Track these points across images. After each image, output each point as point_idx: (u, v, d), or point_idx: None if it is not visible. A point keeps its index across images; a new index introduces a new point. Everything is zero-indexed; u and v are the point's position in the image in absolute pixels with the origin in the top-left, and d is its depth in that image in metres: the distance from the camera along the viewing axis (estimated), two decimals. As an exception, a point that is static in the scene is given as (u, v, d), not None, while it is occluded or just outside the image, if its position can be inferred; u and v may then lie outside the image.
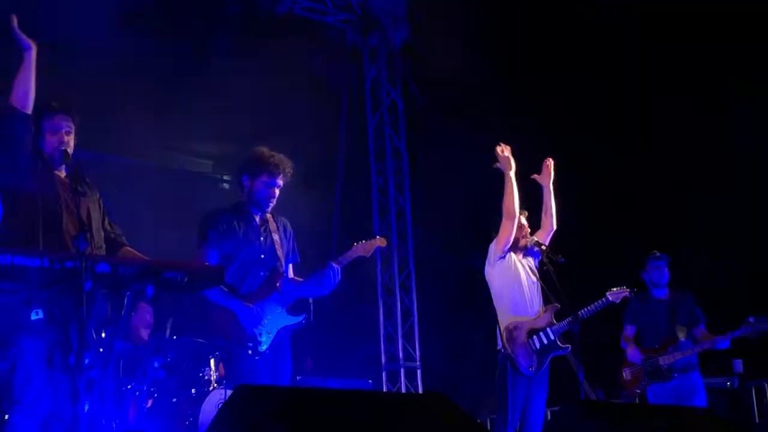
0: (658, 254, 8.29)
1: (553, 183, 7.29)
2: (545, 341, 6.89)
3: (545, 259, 6.89)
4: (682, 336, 7.90)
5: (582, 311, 7.02)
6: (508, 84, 10.65)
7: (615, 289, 7.37)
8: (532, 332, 6.91)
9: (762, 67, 9.55)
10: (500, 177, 7.09)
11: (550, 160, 7.31)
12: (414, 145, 11.85)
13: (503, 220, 7.01)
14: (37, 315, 4.50)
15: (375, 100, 12.05)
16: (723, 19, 9.51)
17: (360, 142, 11.91)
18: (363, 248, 6.10)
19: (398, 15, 11.29)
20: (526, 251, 7.16)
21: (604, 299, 7.27)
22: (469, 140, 10.83)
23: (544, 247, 6.97)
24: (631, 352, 8.16)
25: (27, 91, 4.90)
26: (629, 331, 8.35)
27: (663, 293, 8.24)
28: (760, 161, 9.70)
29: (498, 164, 7.06)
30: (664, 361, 7.85)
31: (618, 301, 7.38)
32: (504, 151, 7.05)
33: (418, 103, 11.60)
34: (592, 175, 9.94)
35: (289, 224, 6.19)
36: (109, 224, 5.29)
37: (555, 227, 7.25)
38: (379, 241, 6.24)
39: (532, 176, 7.18)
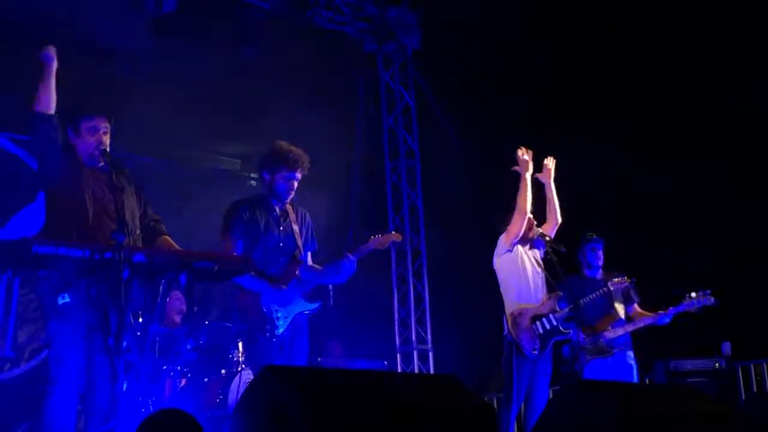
0: (594, 236, 7.91)
1: (555, 180, 7.26)
2: (548, 326, 6.91)
3: (549, 249, 6.91)
4: (621, 313, 7.66)
5: (583, 300, 7.03)
6: (520, 85, 10.65)
7: (616, 279, 7.35)
8: (536, 318, 6.93)
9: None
10: (509, 175, 7.11)
11: (551, 159, 7.28)
12: (426, 144, 11.83)
13: (515, 215, 7.03)
14: (63, 299, 4.52)
15: (390, 103, 12.04)
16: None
17: (376, 142, 11.90)
18: (378, 242, 6.12)
19: (410, 22, 11.27)
20: (532, 243, 7.15)
21: (606, 289, 7.32)
22: (477, 139, 10.83)
23: (548, 238, 6.98)
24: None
25: (49, 98, 4.94)
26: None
27: (597, 274, 7.85)
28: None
29: (517, 167, 7.07)
30: (605, 337, 7.50)
31: (619, 289, 7.41)
32: (524, 154, 7.07)
33: (430, 104, 11.56)
34: (594, 169, 9.86)
35: (308, 214, 6.20)
36: (150, 213, 5.29)
37: (560, 220, 7.23)
38: (394, 236, 6.26)
39: (535, 175, 7.15)
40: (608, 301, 7.56)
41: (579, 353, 7.37)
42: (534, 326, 6.90)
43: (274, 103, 9.95)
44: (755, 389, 9.38)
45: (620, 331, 7.52)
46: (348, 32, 11.22)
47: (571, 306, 6.88)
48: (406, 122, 11.98)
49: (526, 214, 6.98)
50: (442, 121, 11.29)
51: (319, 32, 10.67)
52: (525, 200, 6.98)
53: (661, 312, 7.59)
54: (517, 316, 6.92)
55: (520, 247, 7.09)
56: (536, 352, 6.84)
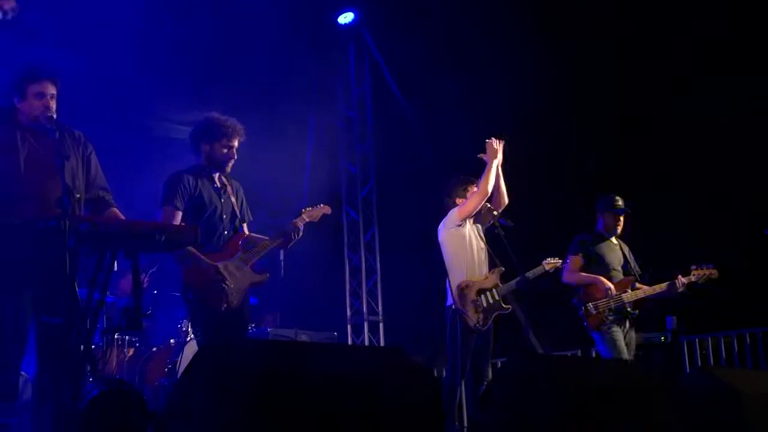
0: (622, 204, 7.72)
1: (502, 164, 7.23)
2: (491, 300, 6.98)
3: (496, 223, 6.93)
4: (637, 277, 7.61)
5: (528, 273, 7.08)
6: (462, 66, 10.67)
7: (550, 259, 7.39)
8: (480, 292, 6.99)
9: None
10: (462, 153, 7.14)
11: (494, 139, 7.22)
12: (381, 121, 11.83)
13: (475, 194, 7.05)
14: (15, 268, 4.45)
15: (345, 76, 12.03)
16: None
17: (330, 111, 11.87)
18: (309, 214, 6.18)
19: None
20: (477, 217, 7.18)
21: (540, 267, 7.35)
22: (433, 111, 10.84)
23: (495, 213, 6.99)
24: (601, 282, 7.44)
25: None
26: (577, 261, 7.64)
27: (612, 237, 7.77)
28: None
29: (483, 155, 7.07)
30: (627, 298, 7.38)
31: (551, 271, 7.39)
32: (494, 143, 7.08)
33: (387, 83, 11.54)
34: (545, 146, 9.92)
35: (241, 187, 6.20)
36: (99, 182, 5.19)
37: (506, 202, 7.23)
38: (324, 209, 6.33)
39: (478, 155, 7.15)
40: (625, 262, 7.63)
41: (605, 312, 7.36)
42: (479, 299, 6.96)
43: (227, 73, 9.88)
44: (699, 363, 9.55)
45: (640, 294, 7.41)
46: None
47: (515, 281, 6.94)
48: (360, 94, 11.98)
49: (485, 196, 7.01)
50: (399, 100, 11.27)
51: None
52: (487, 183, 7.00)
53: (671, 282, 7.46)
54: (463, 289, 6.97)
55: (468, 221, 7.12)
56: (479, 324, 6.91)
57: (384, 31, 11.47)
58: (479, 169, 7.15)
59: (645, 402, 4.22)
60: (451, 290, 6.97)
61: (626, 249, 7.77)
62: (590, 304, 7.38)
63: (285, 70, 10.43)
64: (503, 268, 7.08)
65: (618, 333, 7.32)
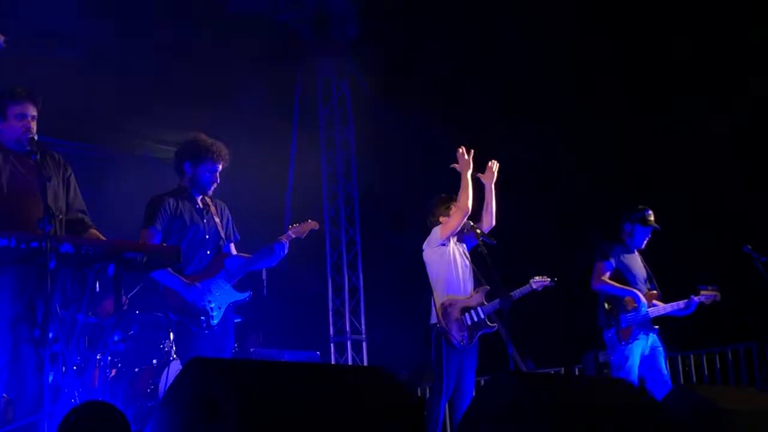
0: (653, 220, 7.59)
1: (495, 183, 7.25)
2: (476, 319, 6.98)
3: (480, 242, 6.94)
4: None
5: (513, 293, 7.07)
6: (460, 76, 10.71)
7: (538, 277, 7.32)
8: (465, 310, 6.99)
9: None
10: (445, 168, 7.14)
11: (495, 162, 7.23)
12: (362, 136, 11.85)
13: (455, 212, 7.05)
14: None
15: (326, 93, 12.06)
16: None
17: (311, 132, 11.89)
18: (297, 230, 6.14)
19: (348, 14, 11.23)
20: (461, 236, 7.20)
21: (528, 285, 7.29)
22: (413, 131, 10.86)
23: (479, 231, 6.99)
24: (636, 296, 7.35)
25: None
26: (607, 267, 7.51)
27: (635, 251, 7.71)
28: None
29: (456, 165, 7.08)
30: (653, 312, 7.36)
31: (540, 290, 7.31)
32: (465, 154, 7.06)
33: (365, 95, 11.56)
34: (531, 165, 9.95)
35: (226, 207, 6.18)
36: (78, 204, 5.18)
37: (494, 223, 7.23)
38: (312, 224, 6.27)
39: (476, 175, 7.15)
40: (649, 275, 7.59)
41: (632, 327, 7.32)
42: (463, 317, 6.97)
43: (209, 92, 9.88)
44: (681, 380, 9.58)
45: (661, 311, 7.41)
46: (285, 21, 11.17)
47: (498, 300, 6.92)
48: (341, 113, 11.99)
49: (467, 212, 7.01)
50: (378, 113, 11.29)
51: (259, 21, 10.60)
52: (466, 198, 7.00)
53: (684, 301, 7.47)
54: (447, 307, 6.98)
55: (451, 239, 7.14)
56: (464, 343, 6.91)
57: (365, 45, 11.51)
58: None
59: (629, 420, 4.23)
60: (435, 308, 6.97)
61: (646, 263, 7.73)
62: (623, 316, 7.33)
63: (268, 90, 10.43)
64: (488, 287, 7.07)
65: (637, 349, 7.31)
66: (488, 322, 7.02)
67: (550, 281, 7.38)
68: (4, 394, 4.62)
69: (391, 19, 10.56)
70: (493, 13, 10.11)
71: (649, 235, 7.62)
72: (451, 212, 7.13)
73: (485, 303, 7.05)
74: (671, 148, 9.91)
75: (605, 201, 9.62)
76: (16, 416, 4.51)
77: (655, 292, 7.52)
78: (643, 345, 7.36)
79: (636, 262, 7.62)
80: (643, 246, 7.66)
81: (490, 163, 7.29)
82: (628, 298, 7.38)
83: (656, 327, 7.39)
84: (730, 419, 4.60)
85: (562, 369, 9.93)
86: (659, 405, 4.72)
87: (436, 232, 7.16)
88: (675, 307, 7.45)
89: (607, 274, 7.49)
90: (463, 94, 10.70)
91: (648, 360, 7.37)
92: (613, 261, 7.51)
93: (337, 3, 11.18)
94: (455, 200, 7.17)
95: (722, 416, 4.59)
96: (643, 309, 7.32)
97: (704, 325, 7.52)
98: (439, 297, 7.03)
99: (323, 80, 12.06)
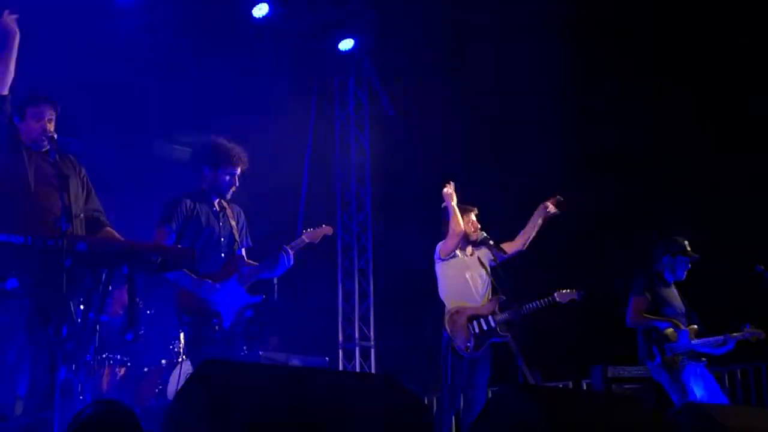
0: (692, 252, 7.50)
1: (546, 219, 7.28)
2: (485, 327, 6.98)
3: (491, 252, 7.00)
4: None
5: (527, 305, 7.03)
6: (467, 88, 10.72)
7: (564, 290, 7.18)
8: (473, 318, 7.01)
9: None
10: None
11: (449, 184, 7.28)
12: (377, 142, 11.88)
13: (449, 235, 7.19)
14: (12, 285, 4.46)
15: (342, 99, 12.09)
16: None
17: (327, 137, 11.92)
18: (311, 236, 6.17)
19: (367, 22, 11.25)
20: (477, 245, 7.24)
21: (550, 297, 7.16)
22: (428, 139, 10.89)
23: (491, 242, 7.04)
24: (676, 327, 7.25)
25: (5, 74, 4.87)
26: (644, 302, 7.37)
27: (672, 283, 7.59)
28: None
29: (444, 203, 7.23)
30: (700, 344, 7.18)
31: (565, 302, 7.17)
32: (447, 188, 7.22)
33: (382, 103, 11.60)
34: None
35: (242, 212, 6.21)
36: (94, 203, 5.25)
37: (524, 249, 7.25)
38: (326, 230, 6.30)
39: (546, 205, 7.24)
40: (688, 308, 7.44)
41: (680, 356, 7.16)
42: (471, 325, 6.98)
43: (228, 96, 9.93)
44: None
45: (704, 345, 7.22)
46: (303, 28, 11.19)
47: (512, 310, 6.94)
48: (358, 119, 12.02)
49: (458, 236, 7.15)
50: (393, 120, 11.33)
51: (275, 27, 10.63)
52: (457, 224, 7.15)
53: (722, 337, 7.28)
54: (454, 314, 7.02)
55: (459, 252, 7.19)
56: (469, 351, 6.91)
57: (384, 57, 11.53)
58: (476, 197, 7.25)
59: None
60: (445, 316, 7.02)
61: (682, 296, 7.57)
62: (667, 345, 7.18)
63: (285, 95, 10.47)
64: (503, 297, 7.08)
65: (693, 375, 7.14)
66: (500, 332, 7.00)
67: (577, 294, 7.22)
68: (17, 391, 4.66)
69: (410, 27, 10.56)
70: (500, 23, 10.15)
71: (690, 266, 7.51)
72: (464, 223, 7.20)
73: (497, 312, 7.06)
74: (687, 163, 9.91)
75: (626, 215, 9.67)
76: (27, 412, 4.55)
77: (695, 327, 7.34)
78: (695, 376, 7.16)
79: (674, 296, 7.48)
80: (684, 277, 7.54)
81: (552, 203, 7.29)
82: (669, 330, 7.24)
83: (704, 359, 7.23)
84: (738, 439, 4.60)
85: (570, 383, 9.91)
86: (667, 423, 4.71)
87: (438, 249, 7.26)
88: (713, 343, 7.25)
89: (644, 308, 7.34)
90: (482, 105, 10.70)
91: (705, 394, 7.17)
92: (649, 295, 7.37)
93: (357, 12, 11.19)
94: (467, 211, 7.24)
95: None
96: (684, 340, 7.18)
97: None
98: (447, 305, 7.09)
99: (340, 86, 12.09)
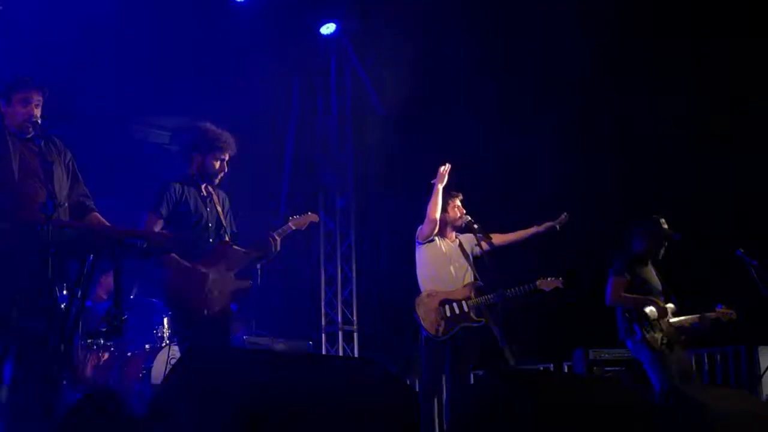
0: (669, 230, 7.44)
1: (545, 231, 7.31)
2: (457, 311, 6.97)
3: (476, 238, 7.02)
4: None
5: (506, 292, 6.97)
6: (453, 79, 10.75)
7: (548, 278, 7.14)
8: (446, 302, 7.01)
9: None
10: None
11: (447, 165, 7.21)
12: (360, 128, 11.88)
13: (425, 221, 7.18)
14: None
15: (324, 86, 12.07)
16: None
17: (310, 124, 11.92)
18: (297, 222, 6.20)
19: (350, 8, 11.24)
20: (462, 230, 7.27)
21: (532, 284, 7.13)
22: (411, 128, 10.91)
23: (476, 226, 7.06)
24: (657, 306, 7.26)
25: None
26: (623, 282, 7.37)
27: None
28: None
29: (435, 180, 7.16)
30: (677, 323, 7.24)
31: (548, 290, 7.15)
32: (442, 169, 7.15)
33: (364, 88, 11.60)
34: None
35: (228, 198, 6.23)
36: (80, 188, 5.24)
37: (504, 245, 7.25)
38: (312, 217, 6.36)
39: (552, 226, 7.25)
40: (666, 288, 7.44)
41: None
42: (442, 309, 6.98)
43: (209, 79, 9.91)
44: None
45: (680, 324, 7.25)
46: (285, 10, 11.16)
47: (488, 297, 6.95)
48: (340, 104, 12.01)
49: (434, 222, 7.12)
50: (376, 106, 11.33)
51: (261, 10, 10.60)
52: (435, 209, 7.11)
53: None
54: (425, 297, 7.05)
55: (438, 237, 7.22)
56: (437, 334, 6.92)
57: (366, 42, 11.52)
58: (459, 181, 7.26)
59: (617, 419, 4.28)
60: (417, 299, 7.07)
61: (660, 275, 7.57)
62: (647, 323, 7.18)
63: (266, 79, 10.45)
64: (481, 283, 7.09)
65: (669, 357, 7.14)
66: (473, 317, 7.01)
67: (561, 282, 7.18)
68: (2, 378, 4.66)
69: (393, 14, 10.55)
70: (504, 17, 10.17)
71: (667, 245, 7.51)
72: (449, 208, 7.23)
73: (473, 297, 7.07)
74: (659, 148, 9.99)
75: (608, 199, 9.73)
76: (12, 398, 4.56)
77: (672, 305, 7.37)
78: (676, 355, 7.18)
79: (652, 275, 7.50)
80: (660, 257, 7.55)
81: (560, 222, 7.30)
82: (648, 309, 7.26)
83: (681, 336, 7.26)
84: (720, 420, 4.66)
85: (552, 366, 10.00)
86: (648, 404, 4.77)
87: (418, 232, 7.27)
88: (690, 322, 7.31)
89: (624, 288, 7.35)
90: (465, 91, 10.73)
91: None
92: (628, 275, 7.37)
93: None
94: (453, 196, 7.26)
95: (711, 417, 4.64)
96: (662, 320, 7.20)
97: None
98: (421, 289, 7.12)
99: (322, 72, 12.07)
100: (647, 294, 7.35)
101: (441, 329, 6.92)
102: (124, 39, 9.35)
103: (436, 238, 7.21)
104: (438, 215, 7.11)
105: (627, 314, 7.33)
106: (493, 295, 6.93)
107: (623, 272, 7.39)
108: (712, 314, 7.30)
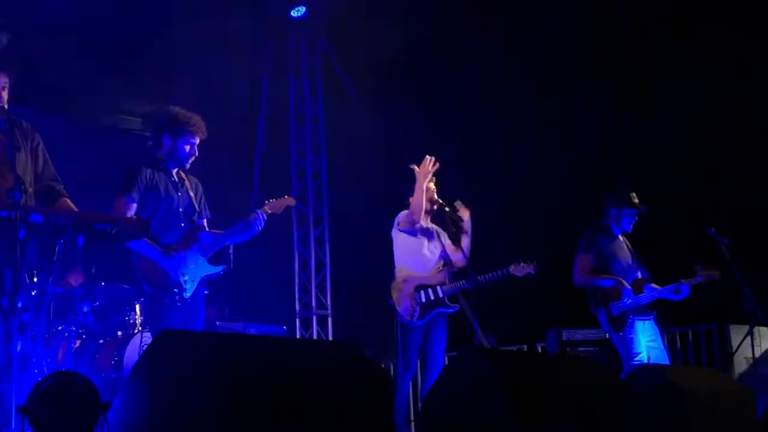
0: (638, 204, 7.45)
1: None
2: (432, 297, 7.00)
3: (448, 219, 7.02)
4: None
5: (480, 277, 6.99)
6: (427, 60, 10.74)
7: (521, 264, 7.13)
8: (421, 287, 7.03)
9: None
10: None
11: (431, 158, 7.07)
12: (331, 110, 11.85)
13: (410, 210, 7.14)
14: None
15: (296, 67, 12.02)
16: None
17: (282, 106, 11.87)
18: (273, 206, 6.15)
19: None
20: (435, 214, 7.25)
21: (505, 270, 7.13)
22: (384, 108, 10.89)
23: (447, 209, 7.06)
24: (620, 284, 7.24)
25: None
26: (591, 260, 7.38)
27: (619, 236, 7.57)
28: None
29: (415, 166, 7.06)
30: (645, 297, 7.18)
31: (520, 275, 7.14)
32: (430, 165, 7.00)
33: (335, 71, 11.57)
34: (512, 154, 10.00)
35: (200, 183, 6.18)
36: (49, 174, 5.18)
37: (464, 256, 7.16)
38: (288, 200, 6.30)
39: (410, 166, 7.13)
40: (637, 261, 7.43)
41: (626, 313, 7.15)
42: (417, 294, 7.00)
43: (179, 62, 9.83)
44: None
45: (655, 295, 7.21)
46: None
47: (462, 282, 6.97)
48: (311, 88, 11.97)
49: (420, 211, 7.06)
50: (347, 88, 11.31)
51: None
52: (419, 201, 7.04)
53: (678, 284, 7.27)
54: (401, 282, 7.06)
55: (420, 221, 7.21)
56: (413, 318, 6.94)
57: (336, 24, 11.49)
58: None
59: (590, 397, 4.31)
60: (392, 284, 7.06)
61: (631, 247, 7.58)
62: (612, 304, 7.21)
63: (237, 62, 10.39)
64: (454, 269, 7.12)
65: (638, 331, 7.17)
66: (447, 302, 7.05)
67: (533, 268, 7.18)
68: None
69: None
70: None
71: (636, 218, 7.50)
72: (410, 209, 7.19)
73: (447, 283, 7.08)
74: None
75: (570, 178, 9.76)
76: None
77: (642, 278, 7.37)
78: (641, 330, 7.21)
79: (621, 249, 7.48)
80: (630, 229, 7.55)
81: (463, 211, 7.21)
82: (612, 288, 7.27)
83: (653, 311, 7.28)
84: (691, 399, 4.70)
85: (525, 346, 10.03)
86: (621, 384, 4.80)
87: (398, 219, 7.23)
88: (669, 291, 7.27)
89: (590, 266, 7.36)
90: (433, 75, 10.72)
91: (647, 346, 7.23)
92: (595, 252, 7.38)
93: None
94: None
95: (683, 396, 4.68)
96: (627, 299, 7.20)
97: (666, 306, 7.58)
98: (398, 272, 7.11)
99: (294, 55, 12.01)
100: (616, 270, 7.34)
101: (417, 314, 6.93)
102: (92, 24, 9.26)
103: (416, 225, 7.20)
104: (423, 206, 7.05)
105: (593, 296, 7.38)
106: (465, 281, 6.95)
107: (589, 249, 7.40)
108: (691, 279, 7.24)
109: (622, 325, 7.19)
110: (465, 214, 7.14)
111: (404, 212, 7.20)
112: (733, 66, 9.18)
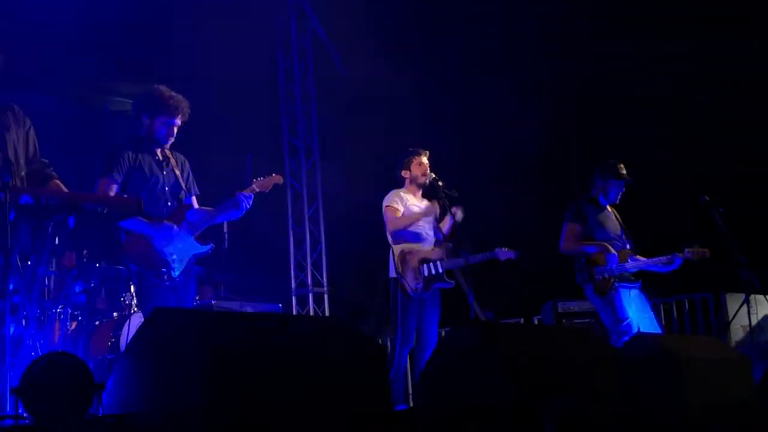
0: (625, 174, 7.45)
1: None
2: (433, 272, 7.02)
3: (441, 194, 7.02)
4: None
5: (471, 257, 7.01)
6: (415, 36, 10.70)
7: (504, 249, 7.21)
8: (423, 261, 7.05)
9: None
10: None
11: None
12: (322, 88, 11.82)
13: (398, 222, 7.16)
14: None
15: (286, 46, 11.97)
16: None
17: (273, 84, 11.83)
18: (261, 184, 6.09)
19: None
20: (427, 189, 7.25)
21: (491, 252, 7.20)
22: (375, 84, 10.84)
23: (440, 183, 7.06)
24: (606, 249, 7.20)
25: None
26: (577, 229, 7.38)
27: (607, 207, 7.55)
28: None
29: (458, 211, 7.12)
30: (631, 267, 7.19)
31: (503, 259, 7.22)
32: (459, 213, 7.11)
33: (325, 48, 11.53)
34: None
35: (187, 161, 6.11)
36: (39, 156, 5.15)
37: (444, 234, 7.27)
38: (276, 179, 6.23)
39: (453, 209, 7.15)
40: (624, 230, 7.45)
41: (611, 279, 7.10)
42: (421, 268, 7.02)
43: (171, 42, 9.78)
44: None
45: (641, 265, 7.22)
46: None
47: (459, 259, 6.99)
48: (302, 66, 11.92)
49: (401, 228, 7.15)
50: (337, 65, 11.26)
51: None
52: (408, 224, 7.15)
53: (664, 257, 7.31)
54: (406, 254, 7.04)
55: (411, 197, 7.19)
56: (418, 291, 6.97)
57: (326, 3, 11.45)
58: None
59: (587, 367, 4.30)
60: (394, 259, 7.04)
61: (619, 218, 7.57)
62: (597, 269, 7.17)
63: (228, 42, 10.33)
64: (451, 245, 7.14)
65: (624, 298, 7.14)
66: (446, 278, 7.08)
67: (514, 254, 7.27)
68: None
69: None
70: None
71: (624, 189, 7.49)
72: (413, 166, 7.24)
73: (445, 259, 7.11)
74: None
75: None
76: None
77: (629, 249, 7.36)
78: (627, 298, 7.18)
79: (608, 219, 7.47)
80: (618, 200, 7.53)
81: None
82: (597, 254, 7.24)
83: (638, 281, 7.26)
84: (688, 367, 4.70)
85: (522, 319, 10.05)
86: (618, 353, 4.80)
87: (389, 198, 7.22)
88: (656, 263, 7.30)
89: (577, 235, 7.35)
90: (426, 46, 10.68)
91: (636, 315, 7.19)
92: (581, 221, 7.37)
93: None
94: (418, 154, 7.25)
95: (680, 364, 4.68)
96: (612, 264, 7.17)
97: (662, 275, 7.57)
98: (397, 246, 7.10)
99: (283, 33, 11.96)
100: (601, 239, 7.32)
101: (421, 287, 6.95)
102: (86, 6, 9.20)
103: (406, 195, 7.19)
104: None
105: (578, 262, 7.36)
106: (459, 259, 6.99)
107: (575, 218, 7.40)
108: (683, 254, 7.26)
109: (606, 289, 7.17)
110: (458, 215, 7.16)
111: (388, 206, 7.18)
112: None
